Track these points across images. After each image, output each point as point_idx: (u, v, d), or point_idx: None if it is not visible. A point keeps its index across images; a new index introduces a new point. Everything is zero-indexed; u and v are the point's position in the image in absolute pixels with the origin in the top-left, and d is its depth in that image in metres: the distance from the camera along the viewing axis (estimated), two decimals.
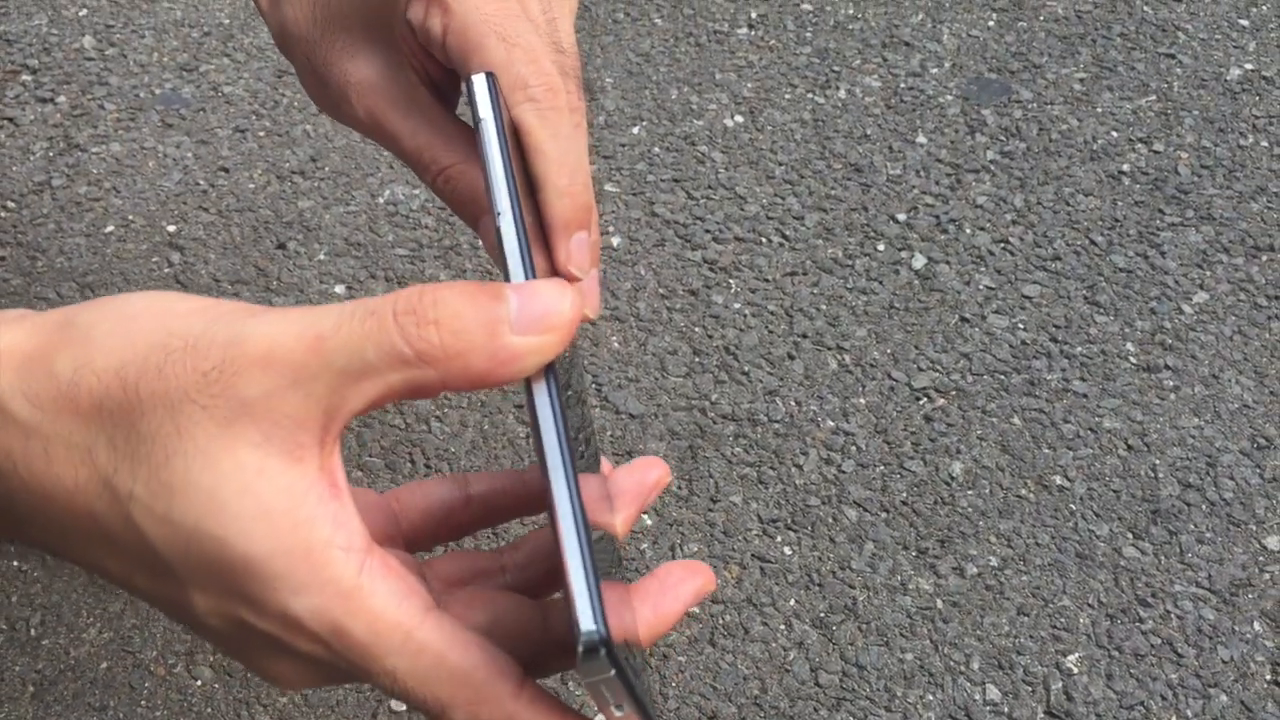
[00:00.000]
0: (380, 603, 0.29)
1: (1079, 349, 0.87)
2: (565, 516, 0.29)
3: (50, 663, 0.69)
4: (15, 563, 0.73)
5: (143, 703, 0.68)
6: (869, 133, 1.03)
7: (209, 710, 0.68)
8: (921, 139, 1.02)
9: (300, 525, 0.29)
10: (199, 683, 0.69)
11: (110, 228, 0.92)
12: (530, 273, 0.32)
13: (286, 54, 0.46)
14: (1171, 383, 0.85)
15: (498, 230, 0.33)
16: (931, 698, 0.69)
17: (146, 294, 0.31)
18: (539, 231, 0.39)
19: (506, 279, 0.32)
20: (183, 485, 0.28)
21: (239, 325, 0.29)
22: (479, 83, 0.35)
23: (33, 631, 0.71)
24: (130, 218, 0.93)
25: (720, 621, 0.72)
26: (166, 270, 0.89)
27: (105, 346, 0.29)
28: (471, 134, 0.42)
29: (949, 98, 1.06)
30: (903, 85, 1.07)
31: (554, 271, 0.40)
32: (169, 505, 0.28)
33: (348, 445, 0.79)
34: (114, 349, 0.29)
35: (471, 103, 0.35)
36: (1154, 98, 1.07)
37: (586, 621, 0.28)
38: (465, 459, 0.79)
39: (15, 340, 0.30)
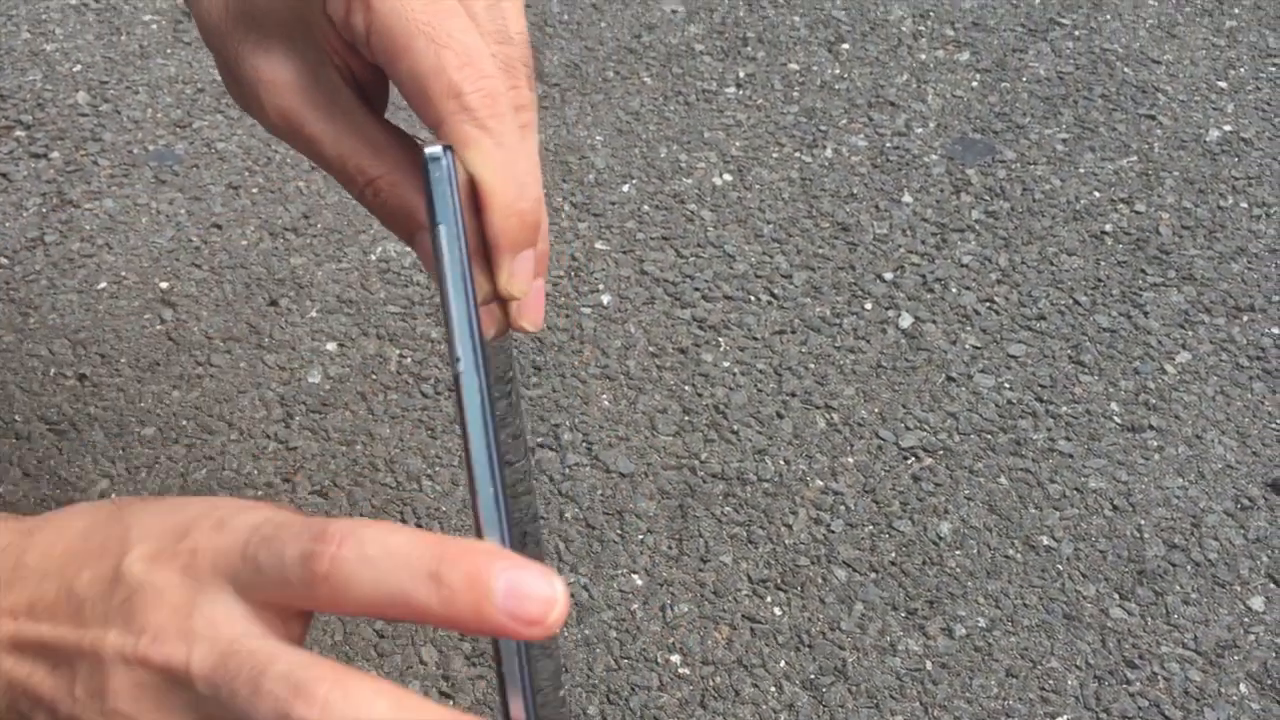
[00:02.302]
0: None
1: (1064, 409, 0.88)
2: (485, 500, 0.32)
3: None
4: None
5: None
6: (856, 192, 1.04)
7: None
8: (907, 198, 1.04)
9: (261, 505, 0.34)
10: None
11: (103, 284, 0.92)
12: (495, 469, 0.32)
13: (209, 47, 0.43)
14: (1156, 443, 0.86)
15: (457, 386, 0.32)
16: None
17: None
18: (480, 244, 0.37)
19: (466, 452, 0.32)
20: (171, 499, 0.35)
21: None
22: (435, 169, 0.34)
23: None
24: (123, 274, 0.93)
25: (711, 683, 0.72)
26: (158, 327, 0.89)
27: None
28: (403, 140, 0.40)
29: (934, 157, 1.08)
30: (888, 145, 1.09)
31: (494, 290, 0.38)
32: (160, 499, 0.35)
33: (338, 504, 0.80)
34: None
35: (427, 195, 0.34)
36: (1135, 158, 1.08)
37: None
38: (456, 518, 0.79)
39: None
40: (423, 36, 0.36)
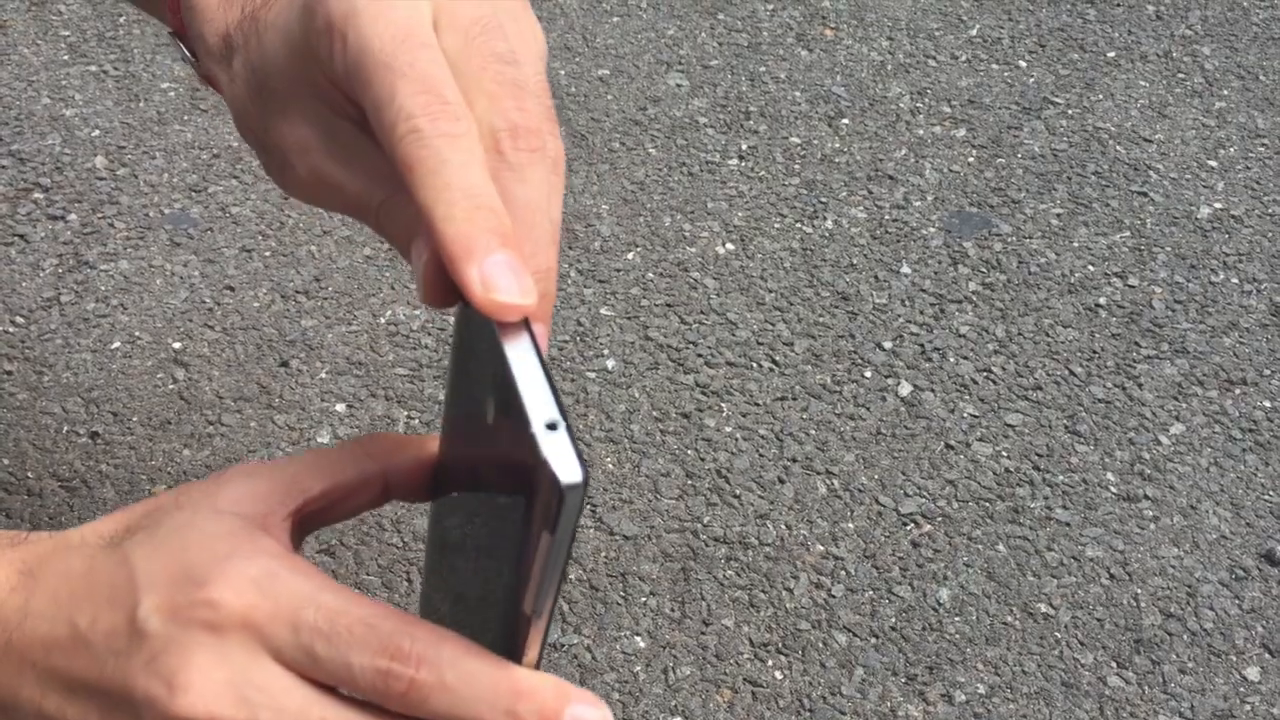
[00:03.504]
0: (307, 564, 0.36)
1: (1061, 478, 0.89)
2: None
3: None
4: None
5: None
6: (855, 262, 1.06)
7: None
8: (906, 269, 1.06)
9: (245, 531, 0.36)
10: None
11: (117, 344, 0.94)
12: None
13: (245, 138, 0.44)
14: (1151, 512, 0.87)
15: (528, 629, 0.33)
16: None
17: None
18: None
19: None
20: (167, 524, 0.37)
21: None
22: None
23: None
24: (137, 334, 0.95)
25: None
26: (170, 387, 0.91)
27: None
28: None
29: (931, 230, 1.10)
30: (887, 217, 1.11)
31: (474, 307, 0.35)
32: (153, 535, 0.37)
33: (345, 563, 0.81)
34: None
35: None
36: (1128, 234, 1.11)
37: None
38: None
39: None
40: (383, 67, 0.35)
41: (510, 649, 0.34)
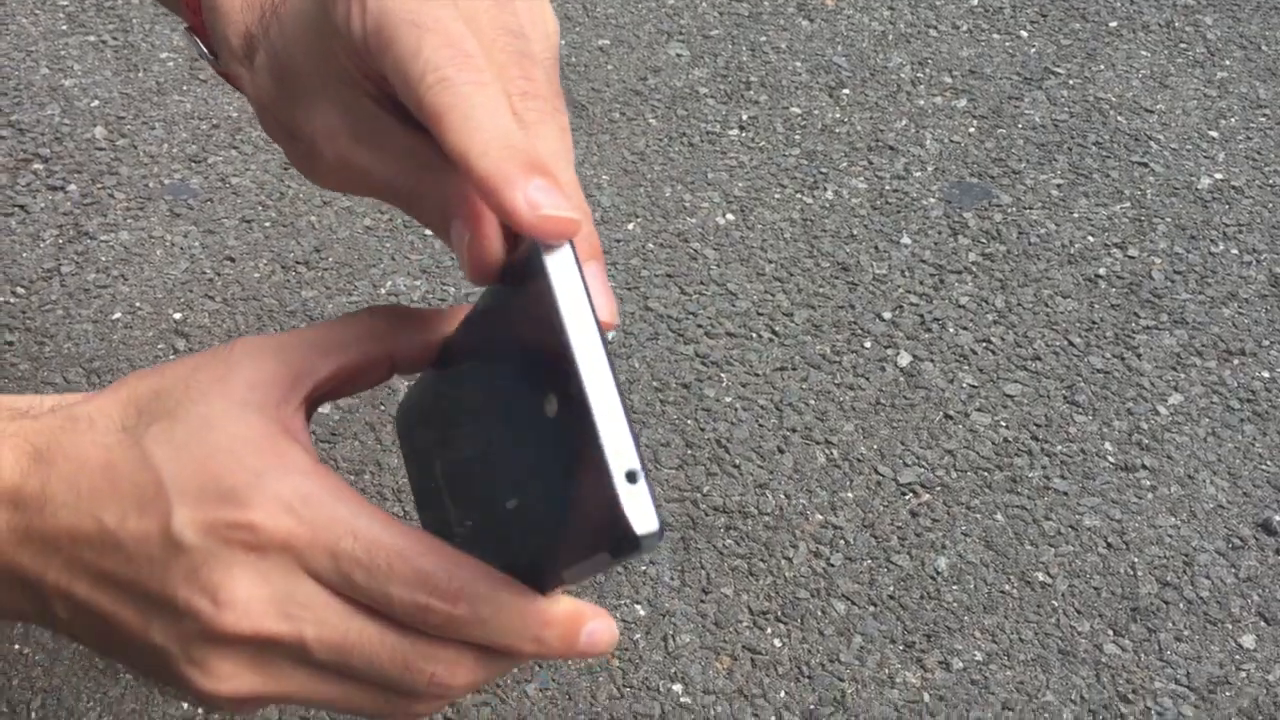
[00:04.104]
0: (338, 480, 0.36)
1: (1059, 448, 0.90)
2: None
3: None
4: (17, 646, 0.74)
5: None
6: (855, 233, 1.06)
7: None
8: (906, 240, 1.06)
9: (268, 435, 0.36)
10: None
11: (117, 314, 0.94)
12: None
13: (271, 135, 0.45)
14: (1149, 482, 0.88)
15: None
16: None
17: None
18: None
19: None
20: (185, 418, 0.36)
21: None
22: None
23: (33, 715, 0.71)
24: (137, 305, 0.95)
25: (712, 712, 0.73)
26: (171, 357, 0.91)
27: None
28: (430, 140, 0.38)
29: (932, 200, 1.10)
30: (888, 188, 1.11)
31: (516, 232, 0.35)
32: (172, 431, 0.36)
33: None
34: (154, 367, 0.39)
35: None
36: (1128, 204, 1.11)
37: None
38: None
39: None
40: (406, 24, 0.36)
41: (533, 568, 0.36)
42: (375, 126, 0.40)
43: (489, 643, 0.36)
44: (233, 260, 0.99)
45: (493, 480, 0.38)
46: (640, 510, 0.31)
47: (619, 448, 0.31)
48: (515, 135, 0.34)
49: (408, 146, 0.40)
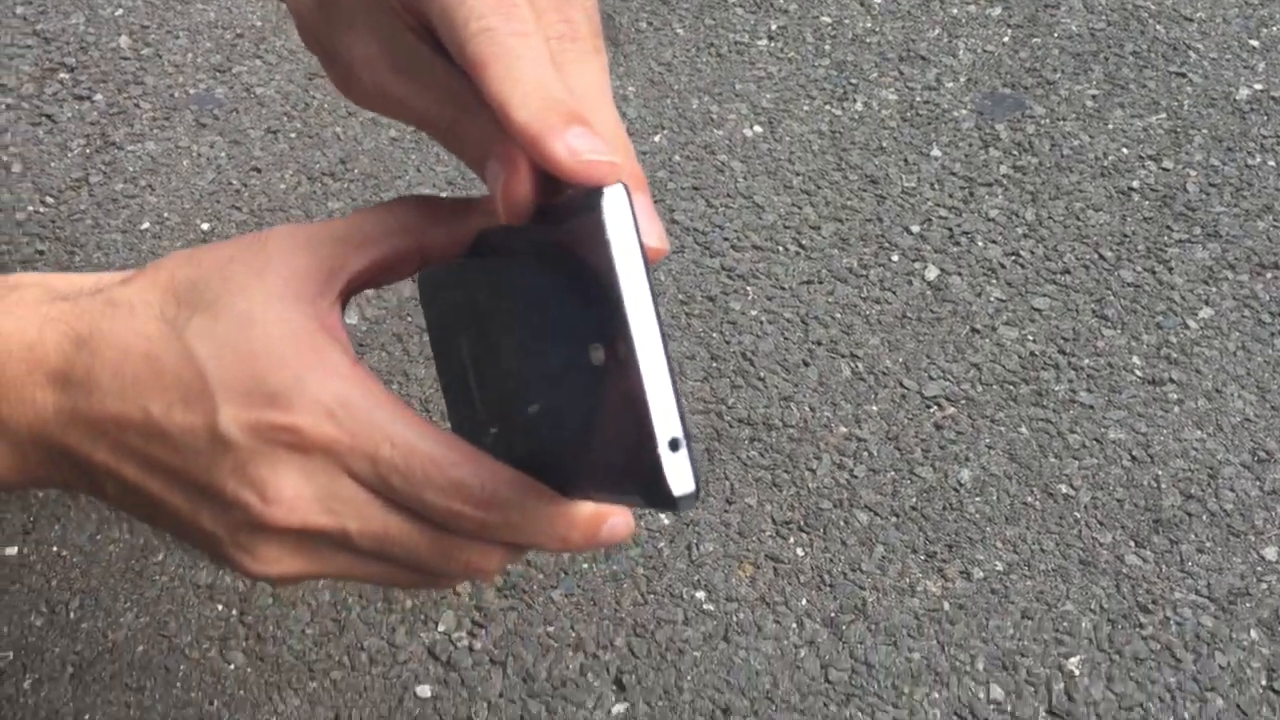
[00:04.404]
0: (375, 384, 0.37)
1: (1086, 361, 0.89)
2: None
3: (89, 645, 0.72)
4: (55, 549, 0.76)
5: (178, 685, 0.71)
6: (885, 145, 1.05)
7: (241, 693, 0.70)
8: (936, 152, 1.05)
9: (307, 333, 0.37)
10: (232, 666, 0.71)
11: (146, 224, 0.95)
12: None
13: (309, 47, 0.46)
14: (1176, 396, 0.88)
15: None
16: (937, 695, 0.72)
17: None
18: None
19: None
20: (226, 312, 0.37)
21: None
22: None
23: (72, 615, 0.73)
24: (165, 215, 0.96)
25: (734, 619, 0.75)
26: None
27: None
28: (469, 78, 0.38)
29: (963, 112, 1.08)
30: (918, 99, 1.09)
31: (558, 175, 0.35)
32: (214, 326, 0.37)
33: None
34: (189, 249, 0.40)
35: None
36: (1164, 115, 1.09)
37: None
38: None
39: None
40: None
41: (559, 473, 0.37)
42: (415, 59, 0.41)
43: (517, 542, 0.39)
44: (259, 171, 0.99)
45: (525, 381, 0.38)
46: (680, 475, 0.32)
47: (665, 416, 0.32)
48: (556, 87, 0.35)
49: (446, 82, 0.40)
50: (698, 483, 0.32)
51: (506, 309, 0.40)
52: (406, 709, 0.70)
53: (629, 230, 0.33)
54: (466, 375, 0.42)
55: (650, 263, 0.33)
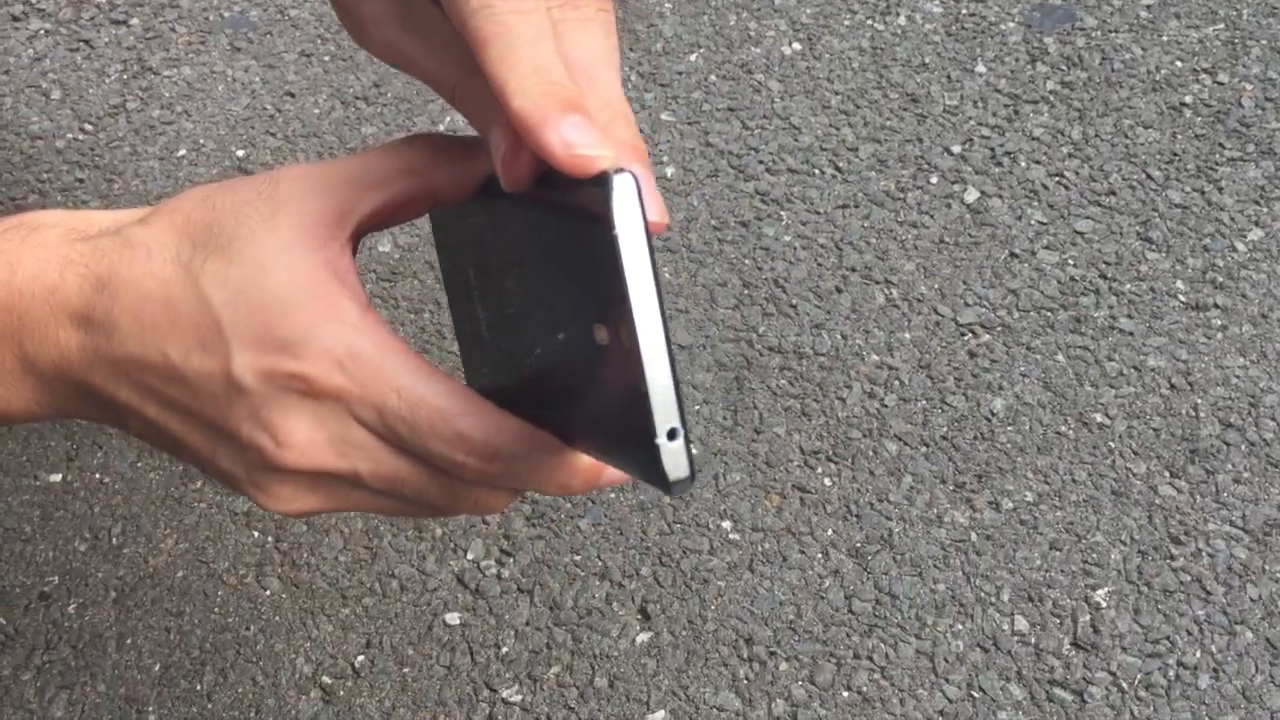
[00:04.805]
0: (385, 333, 0.38)
1: (1128, 286, 0.87)
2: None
3: (130, 570, 0.74)
4: (98, 476, 0.78)
5: (215, 610, 0.73)
6: (927, 61, 1.02)
7: (277, 619, 0.72)
8: (981, 68, 1.02)
9: (318, 282, 0.38)
10: (268, 592, 0.73)
11: (182, 151, 0.95)
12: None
13: (332, 3, 0.46)
14: (1219, 321, 0.85)
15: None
16: (961, 627, 0.72)
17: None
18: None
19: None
20: (239, 258, 0.38)
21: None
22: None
23: (114, 541, 0.76)
24: (201, 141, 0.96)
25: (759, 549, 0.75)
26: None
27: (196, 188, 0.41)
28: None
29: (1011, 25, 1.05)
30: (964, 11, 1.06)
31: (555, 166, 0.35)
32: (228, 272, 0.38)
33: None
34: (203, 187, 0.40)
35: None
36: (1221, 26, 1.05)
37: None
38: None
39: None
40: None
41: (560, 422, 0.38)
42: (425, 18, 0.41)
43: (520, 488, 0.41)
44: (293, 96, 0.99)
45: (532, 329, 0.39)
46: (676, 462, 0.33)
47: (665, 408, 0.33)
48: (554, 71, 0.35)
49: (453, 44, 0.40)
50: (692, 469, 0.33)
51: (515, 257, 0.40)
52: (435, 636, 0.72)
53: (637, 223, 0.33)
54: (476, 313, 0.43)
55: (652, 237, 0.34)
